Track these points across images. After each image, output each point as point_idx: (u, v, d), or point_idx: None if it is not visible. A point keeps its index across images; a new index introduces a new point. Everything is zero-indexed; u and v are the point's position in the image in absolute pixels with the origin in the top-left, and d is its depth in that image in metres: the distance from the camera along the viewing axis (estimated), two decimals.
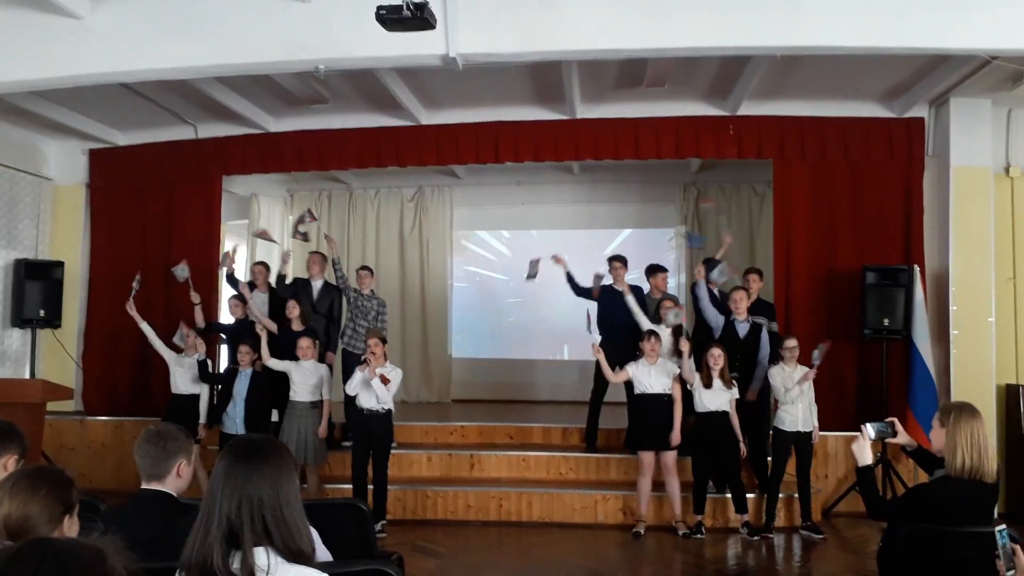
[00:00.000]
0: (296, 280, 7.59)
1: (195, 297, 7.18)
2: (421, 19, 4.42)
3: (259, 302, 7.14)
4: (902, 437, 3.57)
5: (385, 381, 5.95)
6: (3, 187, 7.88)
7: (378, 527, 5.84)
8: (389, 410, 6.13)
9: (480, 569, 5.48)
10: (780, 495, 6.23)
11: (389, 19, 4.44)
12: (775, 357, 6.29)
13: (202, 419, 6.63)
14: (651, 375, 6.13)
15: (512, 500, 6.60)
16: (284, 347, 6.42)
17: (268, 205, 10.53)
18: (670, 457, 6.14)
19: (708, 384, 6.06)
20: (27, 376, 7.92)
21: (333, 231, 10.01)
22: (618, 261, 7.03)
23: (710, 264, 6.87)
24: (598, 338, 6.98)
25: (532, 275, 7.16)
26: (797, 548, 5.96)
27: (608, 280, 7.06)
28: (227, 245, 8.60)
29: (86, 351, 8.31)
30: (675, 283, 9.35)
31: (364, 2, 4.57)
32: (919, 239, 7.10)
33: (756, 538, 6.03)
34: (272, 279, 7.51)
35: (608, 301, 7.00)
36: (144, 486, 2.63)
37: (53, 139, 8.35)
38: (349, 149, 7.84)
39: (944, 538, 2.99)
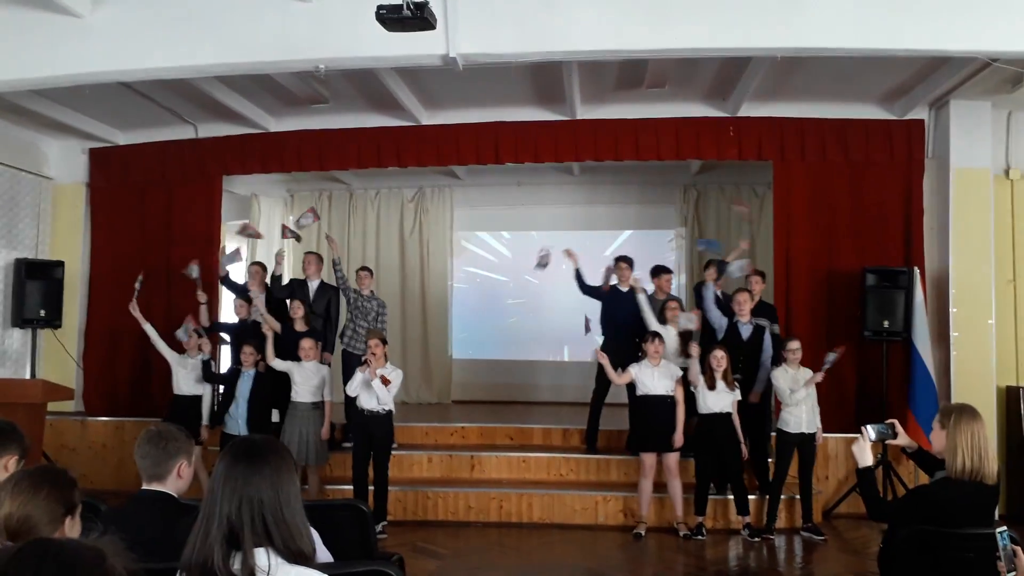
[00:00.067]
0: (292, 281, 7.59)
1: (201, 296, 7.19)
2: (421, 19, 4.42)
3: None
4: (902, 439, 3.57)
5: (386, 382, 5.95)
6: (3, 186, 7.87)
7: (379, 528, 5.84)
8: (390, 411, 6.13)
9: (480, 570, 5.47)
10: (781, 496, 6.22)
11: (389, 19, 4.43)
12: (777, 359, 6.30)
13: (204, 420, 6.63)
14: (654, 376, 6.13)
15: (512, 501, 6.59)
16: (286, 347, 6.43)
17: (268, 205, 10.52)
18: (672, 459, 6.14)
19: (712, 386, 6.05)
20: (27, 376, 7.90)
21: (333, 231, 10.01)
22: (624, 262, 7.04)
23: (721, 266, 6.86)
24: (599, 339, 7.00)
25: (542, 264, 7.11)
26: (798, 549, 5.96)
27: (613, 280, 7.07)
28: (228, 246, 8.59)
29: (86, 351, 8.31)
30: (676, 284, 9.34)
31: (364, 2, 4.57)
32: (919, 241, 7.10)
33: (757, 539, 6.03)
34: (267, 279, 7.51)
35: (612, 301, 7.00)
36: (145, 487, 2.62)
37: (53, 138, 8.35)
38: (349, 149, 7.84)
39: (945, 540, 2.99)
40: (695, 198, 10.12)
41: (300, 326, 6.65)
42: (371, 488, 6.10)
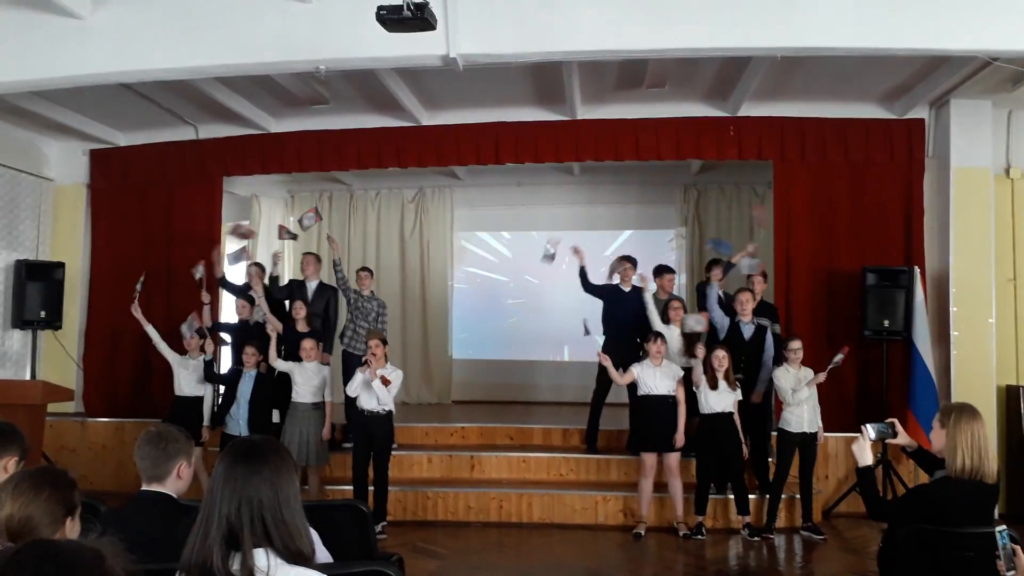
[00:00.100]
0: (291, 281, 7.58)
1: (205, 297, 7.20)
2: (422, 19, 4.42)
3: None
4: (902, 438, 3.58)
5: (386, 382, 5.95)
6: (4, 187, 7.88)
7: (378, 528, 5.84)
8: (390, 411, 6.13)
9: (480, 570, 5.47)
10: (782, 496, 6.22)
11: (390, 19, 4.44)
12: (779, 359, 6.30)
13: (205, 421, 6.63)
14: (656, 376, 6.13)
15: (512, 501, 6.59)
16: (288, 348, 6.44)
17: (268, 206, 10.52)
18: (673, 458, 6.14)
19: (714, 386, 6.05)
20: (28, 377, 7.91)
21: (334, 232, 10.00)
22: (628, 261, 7.04)
23: (728, 266, 6.86)
24: (600, 339, 6.99)
25: (549, 256, 7.06)
26: (798, 549, 5.96)
27: (615, 280, 7.07)
28: (231, 246, 8.60)
29: (87, 352, 8.31)
30: (676, 284, 9.33)
31: (365, 3, 4.57)
32: (919, 240, 7.10)
33: (757, 539, 6.03)
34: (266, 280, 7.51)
35: (613, 301, 7.00)
36: (144, 488, 2.63)
37: (54, 139, 8.36)
38: (350, 150, 7.84)
39: (944, 539, 3.00)
40: (695, 198, 10.12)
41: (302, 327, 6.66)
42: (371, 488, 6.10)
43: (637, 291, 6.86)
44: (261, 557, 1.77)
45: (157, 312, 7.53)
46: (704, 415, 6.12)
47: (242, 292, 7.23)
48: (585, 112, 7.41)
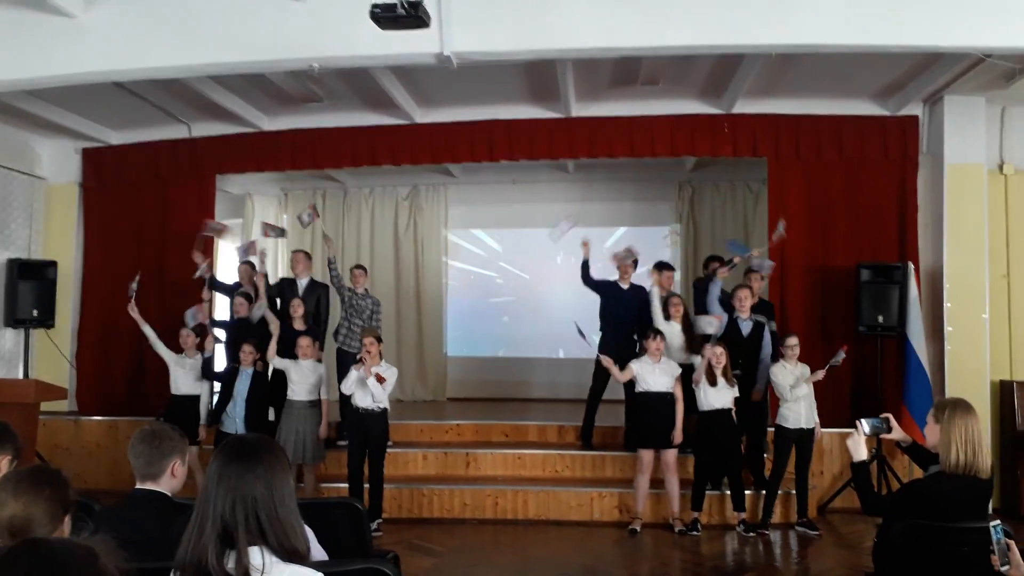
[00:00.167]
0: (282, 280, 7.56)
1: (206, 294, 7.16)
2: (415, 17, 4.41)
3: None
4: (897, 433, 3.58)
5: (380, 380, 5.95)
6: None
7: (374, 526, 5.84)
8: (385, 409, 6.12)
9: (476, 567, 5.47)
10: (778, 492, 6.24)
11: (383, 17, 4.42)
12: (776, 355, 6.31)
13: (202, 420, 6.61)
14: (655, 373, 6.14)
15: (508, 498, 6.60)
16: (284, 346, 6.43)
17: (262, 204, 10.51)
18: (671, 455, 6.15)
19: (713, 382, 6.05)
20: (20, 376, 7.87)
21: (328, 229, 9.99)
22: (632, 256, 7.03)
23: (730, 263, 6.84)
24: (596, 337, 6.98)
25: (564, 230, 6.95)
26: (793, 544, 5.97)
27: (613, 276, 7.07)
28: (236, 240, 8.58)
29: (80, 351, 8.29)
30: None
31: (358, 1, 4.55)
32: (913, 236, 7.12)
33: (752, 535, 6.05)
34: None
35: (611, 297, 7.00)
36: (139, 486, 2.62)
37: (46, 138, 8.32)
38: (344, 148, 7.82)
39: (939, 533, 3.01)
40: (690, 195, 10.13)
41: (299, 324, 6.65)
42: (366, 486, 6.09)
43: (636, 289, 6.85)
44: (256, 555, 1.76)
45: (151, 311, 7.47)
46: (703, 412, 6.12)
47: (231, 291, 7.20)
48: (579, 109, 7.40)
